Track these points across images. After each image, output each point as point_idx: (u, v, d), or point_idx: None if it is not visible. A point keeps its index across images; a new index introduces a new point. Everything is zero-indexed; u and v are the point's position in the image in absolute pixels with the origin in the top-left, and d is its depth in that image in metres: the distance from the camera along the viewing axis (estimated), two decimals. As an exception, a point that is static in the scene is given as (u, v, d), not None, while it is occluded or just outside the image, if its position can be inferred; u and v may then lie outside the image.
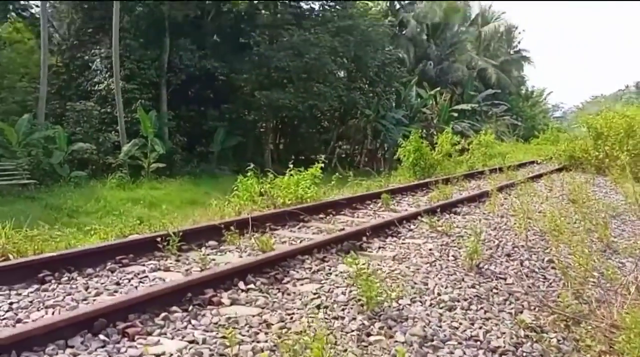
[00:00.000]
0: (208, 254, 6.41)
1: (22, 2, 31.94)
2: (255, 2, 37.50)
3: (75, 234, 13.22)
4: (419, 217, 8.70)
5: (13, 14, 32.16)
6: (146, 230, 8.09)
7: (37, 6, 31.61)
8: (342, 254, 6.45)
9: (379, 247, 6.98)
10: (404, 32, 45.79)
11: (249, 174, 10.85)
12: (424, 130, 23.17)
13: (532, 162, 22.05)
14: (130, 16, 31.14)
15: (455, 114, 41.76)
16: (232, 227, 7.22)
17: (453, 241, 7.45)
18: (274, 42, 33.93)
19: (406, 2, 47.87)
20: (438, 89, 41.76)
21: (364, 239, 7.17)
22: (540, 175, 16.15)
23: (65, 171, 24.09)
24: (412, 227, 8.26)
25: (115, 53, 27.17)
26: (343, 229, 7.98)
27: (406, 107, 40.81)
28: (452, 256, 6.67)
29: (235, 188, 10.96)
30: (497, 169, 16.91)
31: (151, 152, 27.24)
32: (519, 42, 60.62)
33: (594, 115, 20.61)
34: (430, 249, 6.87)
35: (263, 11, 37.51)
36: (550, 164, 20.67)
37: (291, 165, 11.41)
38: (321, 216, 9.22)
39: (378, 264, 6.05)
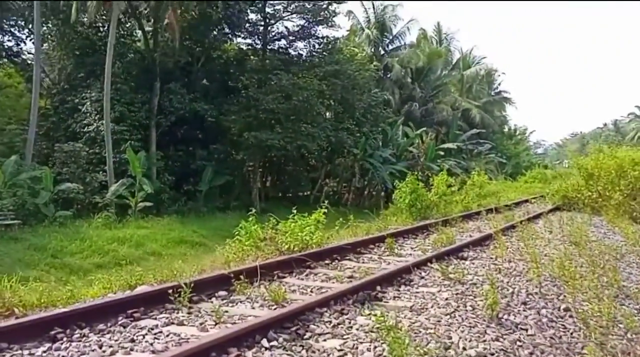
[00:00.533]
0: (219, 306, 6.17)
1: (14, 49, 32.09)
2: (245, 48, 38.00)
3: (74, 281, 12.88)
4: (429, 264, 8.51)
5: (5, 59, 32.25)
6: (150, 277, 7.78)
7: (29, 53, 31.88)
8: (358, 305, 6.24)
9: (394, 297, 6.71)
10: (389, 76, 46.49)
11: (250, 218, 10.58)
12: (418, 172, 23.02)
13: (525, 201, 22.02)
14: (122, 62, 31.45)
15: (442, 153, 42.06)
16: (241, 276, 6.99)
17: (467, 289, 7.21)
18: (262, 86, 34.09)
19: (390, 48, 48.71)
20: (424, 128, 42.09)
21: (378, 288, 6.94)
22: (537, 216, 16.08)
23: (50, 211, 23.72)
24: (422, 274, 8.03)
25: (107, 96, 27.17)
26: (351, 277, 7.77)
27: (393, 146, 41.01)
28: (470, 305, 6.43)
29: (237, 232, 10.67)
30: (493, 209, 16.90)
31: (139, 191, 27.05)
32: (499, 84, 61.75)
33: (583, 156, 20.71)
34: (446, 299, 6.65)
35: (252, 57, 37.89)
36: (543, 203, 20.72)
37: (292, 209, 11.09)
38: (327, 261, 8.99)
39: (397, 316, 5.82)
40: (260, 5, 36.03)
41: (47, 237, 20.92)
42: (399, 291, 7.08)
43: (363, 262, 9.19)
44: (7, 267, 17.89)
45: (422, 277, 7.86)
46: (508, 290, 7.33)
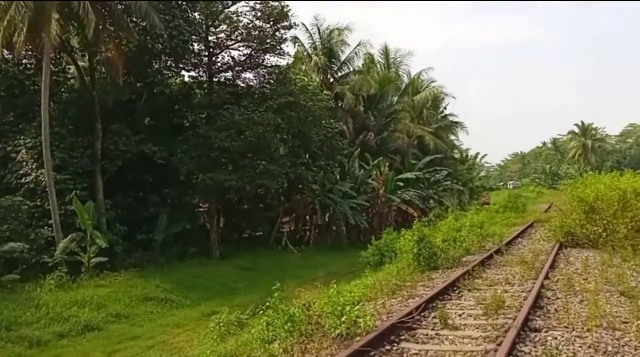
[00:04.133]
0: None
1: None
2: (189, 81, 36.66)
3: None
4: (517, 347, 7.72)
5: None
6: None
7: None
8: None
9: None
10: (340, 105, 45.94)
11: (275, 294, 9.30)
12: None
13: (517, 237, 22.11)
14: (57, 102, 29.53)
15: (401, 183, 41.58)
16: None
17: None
18: (213, 122, 33.02)
19: (339, 75, 48.38)
20: (380, 158, 41.66)
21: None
22: (555, 259, 15.78)
23: (-6, 276, 21.68)
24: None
25: (46, 142, 25.32)
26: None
27: (351, 179, 40.34)
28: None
29: (261, 311, 9.70)
30: (503, 251, 17.03)
31: (91, 245, 25.27)
32: (445, 108, 62.49)
33: (582, 187, 20.51)
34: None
35: (197, 91, 36.60)
36: (539, 238, 21.05)
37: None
38: (387, 347, 8.01)
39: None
40: (203, 34, 34.81)
41: (-4, 306, 18.97)
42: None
43: (424, 344, 8.27)
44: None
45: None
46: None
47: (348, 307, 8.54)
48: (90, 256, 24.92)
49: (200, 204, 35.98)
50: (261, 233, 39.55)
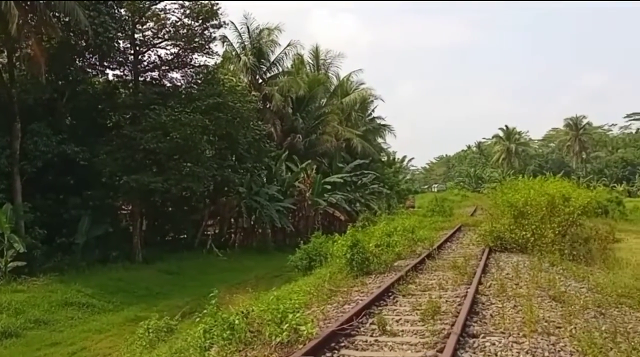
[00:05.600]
0: None
1: None
2: (114, 80, 36.43)
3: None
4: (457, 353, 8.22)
5: None
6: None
7: None
8: None
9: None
10: (269, 106, 46.47)
11: (212, 301, 9.51)
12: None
13: (448, 241, 22.86)
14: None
15: (328, 187, 42.55)
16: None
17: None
18: (138, 123, 33.12)
19: (269, 76, 49.07)
20: (308, 161, 42.49)
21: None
22: (486, 264, 16.34)
23: None
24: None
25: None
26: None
27: (278, 181, 41.08)
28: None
29: (198, 318, 9.74)
30: (434, 256, 17.63)
31: (8, 250, 25.02)
32: (373, 111, 63.91)
33: (512, 192, 21.29)
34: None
35: (122, 90, 36.41)
36: (467, 242, 21.73)
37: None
38: (328, 354, 8.39)
39: None
40: (129, 31, 34.66)
41: None
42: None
43: (364, 351, 8.65)
44: None
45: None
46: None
47: (290, 315, 8.67)
48: (7, 260, 24.74)
49: (123, 207, 35.98)
50: (185, 236, 39.93)
